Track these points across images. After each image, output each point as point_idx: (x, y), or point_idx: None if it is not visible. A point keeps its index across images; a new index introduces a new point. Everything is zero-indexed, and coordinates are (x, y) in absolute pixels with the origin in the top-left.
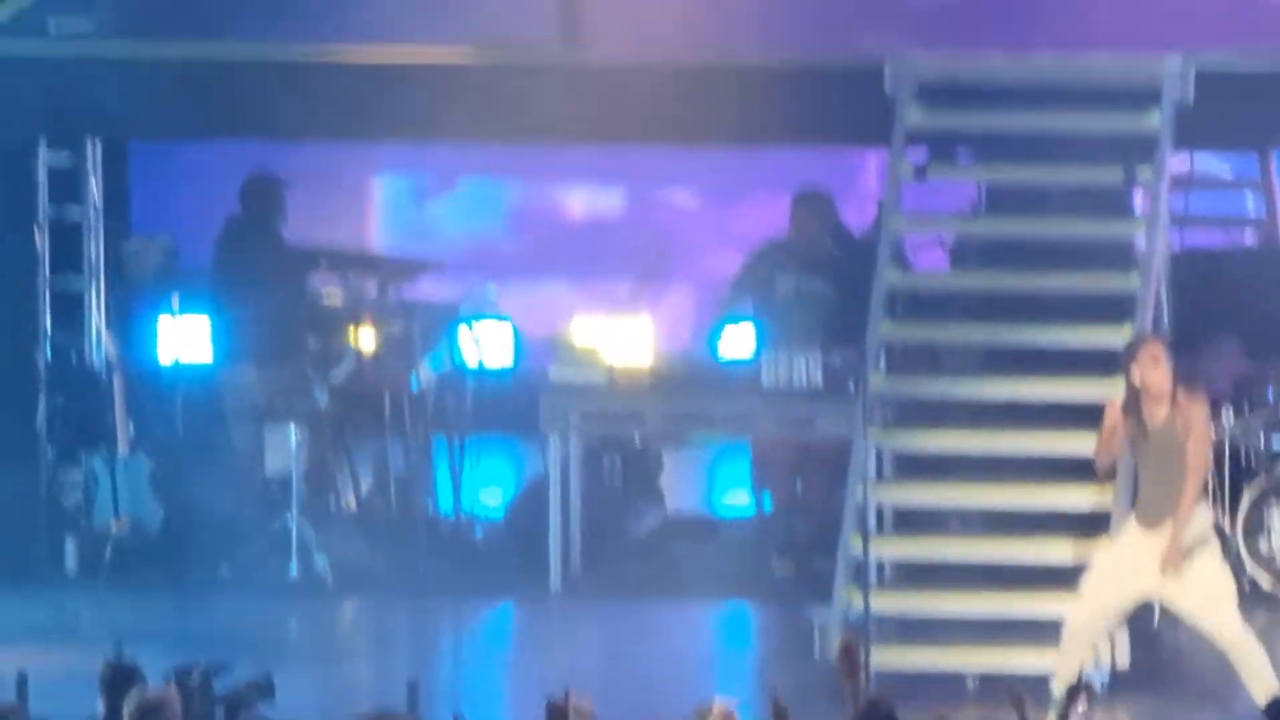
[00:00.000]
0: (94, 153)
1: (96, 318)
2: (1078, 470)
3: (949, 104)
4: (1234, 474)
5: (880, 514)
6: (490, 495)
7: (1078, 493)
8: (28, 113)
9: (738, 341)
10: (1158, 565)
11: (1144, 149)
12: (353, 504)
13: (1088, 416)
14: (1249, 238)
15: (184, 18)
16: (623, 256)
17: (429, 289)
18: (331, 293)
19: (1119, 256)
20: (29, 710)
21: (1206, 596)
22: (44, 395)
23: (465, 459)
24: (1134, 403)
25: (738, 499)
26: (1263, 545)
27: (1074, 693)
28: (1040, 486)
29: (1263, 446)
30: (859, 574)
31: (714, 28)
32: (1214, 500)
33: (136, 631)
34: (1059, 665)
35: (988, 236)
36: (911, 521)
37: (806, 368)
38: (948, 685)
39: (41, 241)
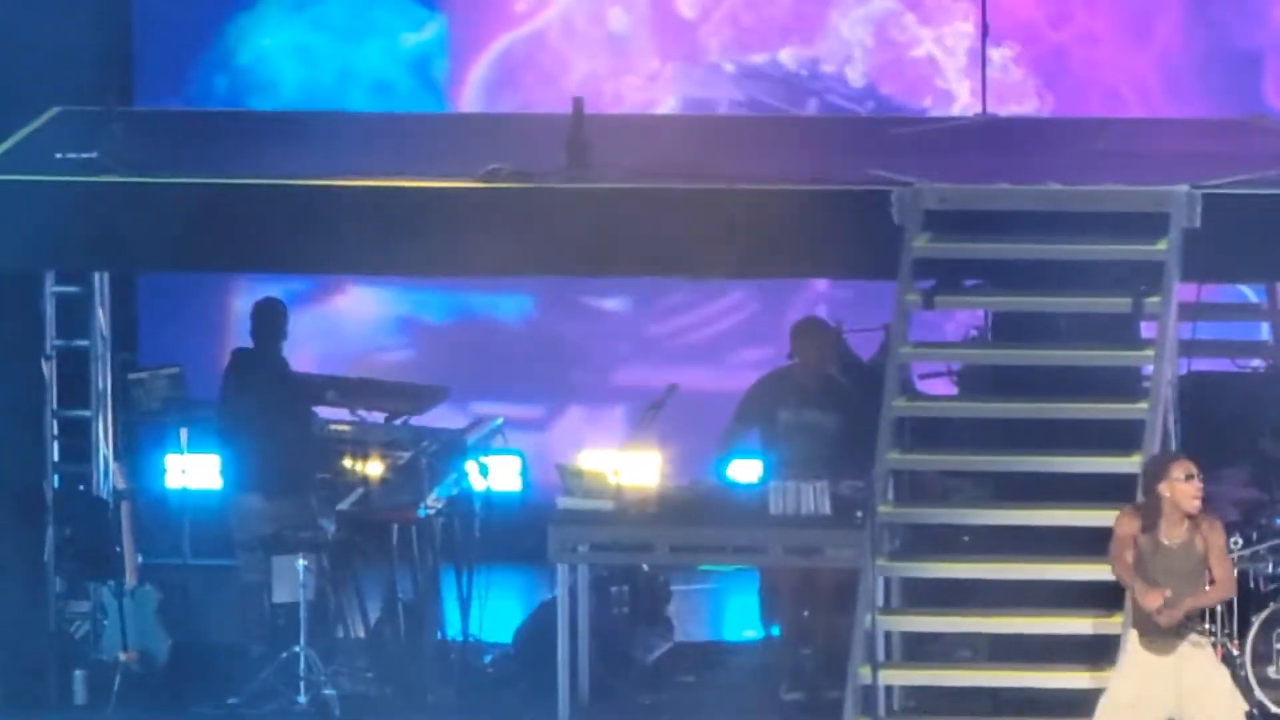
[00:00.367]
0: (101, 283)
1: (104, 448)
2: (1086, 597)
3: (956, 232)
4: (1242, 601)
5: (889, 642)
6: (499, 623)
7: (1086, 619)
8: (35, 242)
9: (745, 471)
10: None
11: (1152, 276)
12: (361, 633)
13: (1096, 543)
14: (1258, 364)
15: (194, 149)
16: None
17: (437, 418)
18: (339, 423)
19: (1127, 383)
20: None
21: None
22: (52, 526)
23: (473, 587)
24: (1153, 519)
25: (746, 627)
26: (1271, 671)
27: None
28: (1048, 614)
29: (1270, 572)
30: (868, 702)
31: (721, 157)
32: (1222, 627)
33: None
34: None
35: (996, 364)
36: (920, 650)
37: (814, 496)
38: None
39: (49, 371)
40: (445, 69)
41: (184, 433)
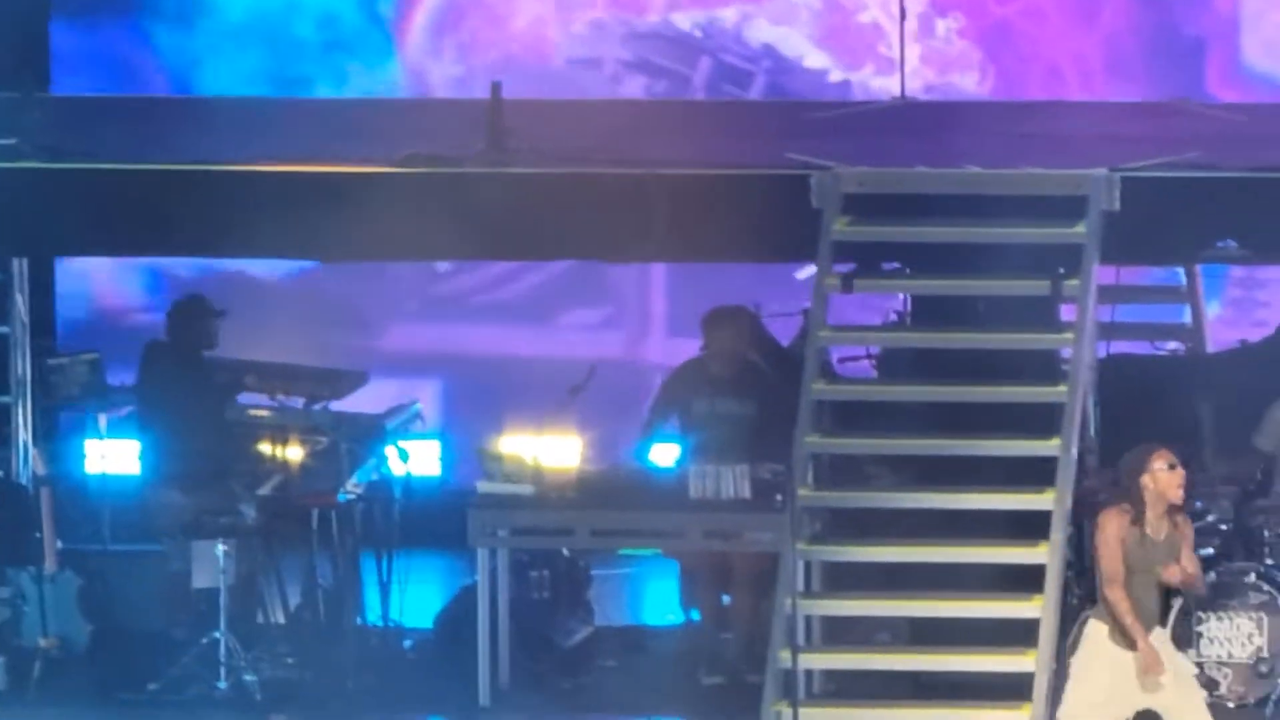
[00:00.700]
0: (20, 269)
1: (23, 434)
2: (1006, 580)
3: (875, 215)
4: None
5: (809, 626)
6: (419, 608)
7: (1006, 603)
8: None
9: (663, 457)
10: (1140, 678)
11: (1071, 259)
12: (281, 618)
13: (1015, 527)
14: (1177, 346)
15: (112, 135)
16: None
17: (356, 403)
18: (258, 408)
19: (1047, 366)
20: None
21: (1194, 699)
22: None
23: (394, 572)
24: (1139, 513)
25: (666, 612)
26: (1191, 656)
27: None
28: (968, 597)
29: None
30: (788, 686)
31: (640, 141)
32: None
33: None
34: None
35: (916, 347)
36: (840, 634)
37: (734, 480)
38: None
39: None
40: (393, 3)
41: (103, 418)
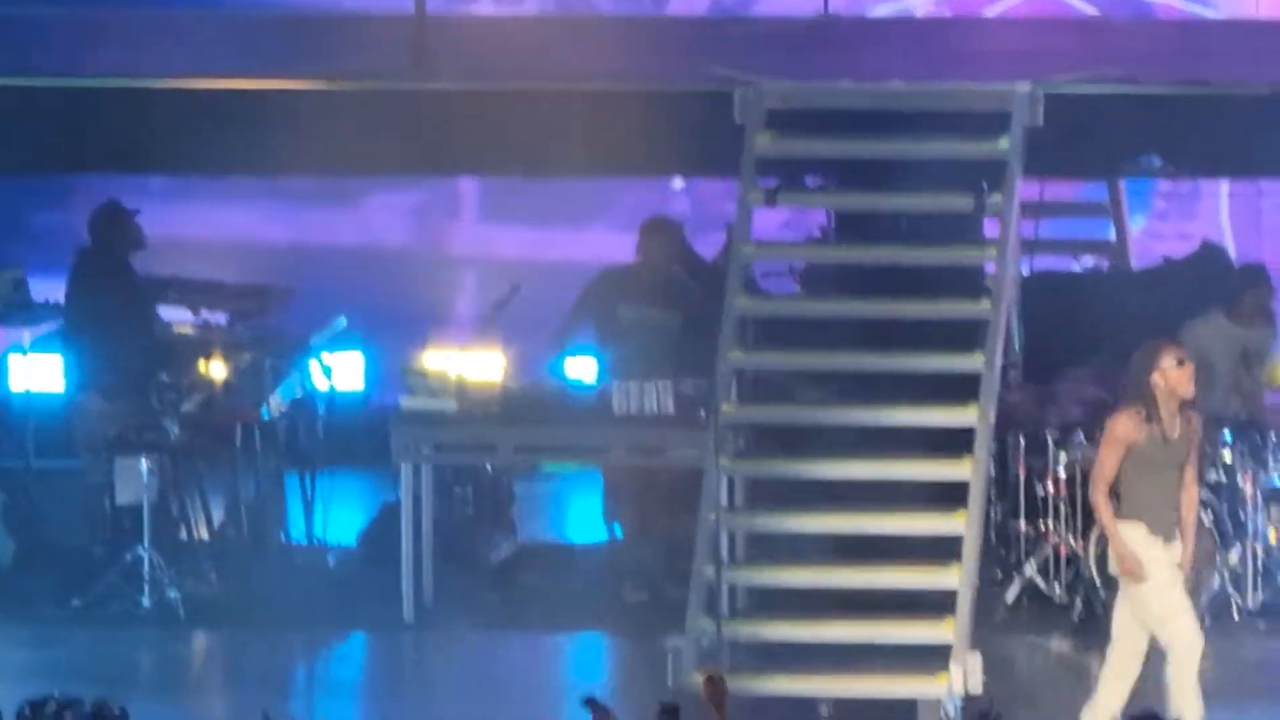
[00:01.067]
0: None
1: None
2: (929, 495)
3: (799, 131)
4: (1085, 499)
5: (732, 541)
6: (343, 525)
7: (929, 518)
8: None
9: (584, 370)
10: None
11: (994, 174)
12: (204, 534)
13: (939, 441)
14: (1100, 262)
15: (36, 50)
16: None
17: (280, 319)
18: (182, 324)
19: (970, 282)
20: None
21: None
22: None
23: (317, 489)
24: (1154, 413)
25: (590, 527)
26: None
27: None
28: (891, 513)
29: None
30: (711, 602)
31: (563, 56)
32: (1067, 526)
33: None
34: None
35: (839, 263)
36: (764, 548)
37: (657, 395)
38: (801, 710)
39: None
40: None
41: (26, 334)
